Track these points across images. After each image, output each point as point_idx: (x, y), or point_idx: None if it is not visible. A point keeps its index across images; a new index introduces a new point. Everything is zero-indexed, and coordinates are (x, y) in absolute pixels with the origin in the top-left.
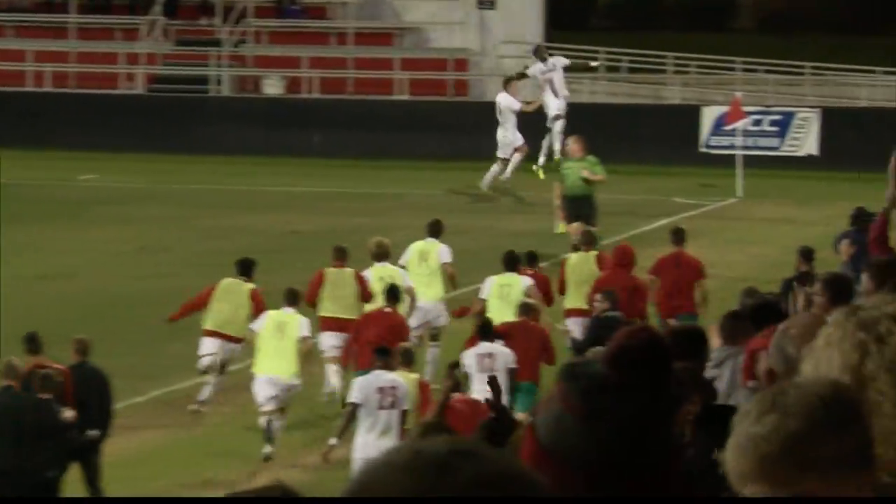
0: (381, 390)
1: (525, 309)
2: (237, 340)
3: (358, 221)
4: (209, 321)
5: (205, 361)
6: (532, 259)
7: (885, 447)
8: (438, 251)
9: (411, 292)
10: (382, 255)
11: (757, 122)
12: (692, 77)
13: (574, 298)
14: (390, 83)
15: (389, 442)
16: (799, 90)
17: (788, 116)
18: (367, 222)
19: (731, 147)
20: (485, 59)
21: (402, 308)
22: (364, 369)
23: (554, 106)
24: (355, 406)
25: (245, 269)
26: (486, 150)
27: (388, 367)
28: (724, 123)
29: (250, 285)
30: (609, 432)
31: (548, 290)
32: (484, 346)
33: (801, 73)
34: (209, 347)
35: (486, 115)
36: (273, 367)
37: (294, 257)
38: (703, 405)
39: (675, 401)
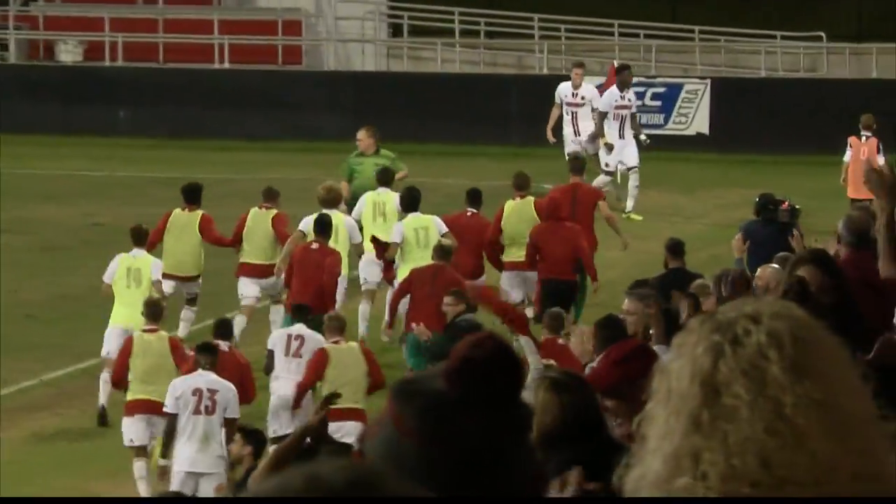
0: (197, 392)
1: (441, 252)
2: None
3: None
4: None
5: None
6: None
7: (742, 457)
8: (395, 202)
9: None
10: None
11: (638, 96)
12: (562, 43)
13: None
14: (209, 50)
15: (206, 454)
16: (686, 58)
17: (674, 89)
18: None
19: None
20: (320, 21)
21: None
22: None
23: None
24: (169, 416)
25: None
26: (322, 129)
27: (212, 365)
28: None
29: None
30: (451, 458)
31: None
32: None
33: (689, 39)
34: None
35: (322, 88)
36: (129, 315)
37: (95, 253)
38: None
39: (527, 418)
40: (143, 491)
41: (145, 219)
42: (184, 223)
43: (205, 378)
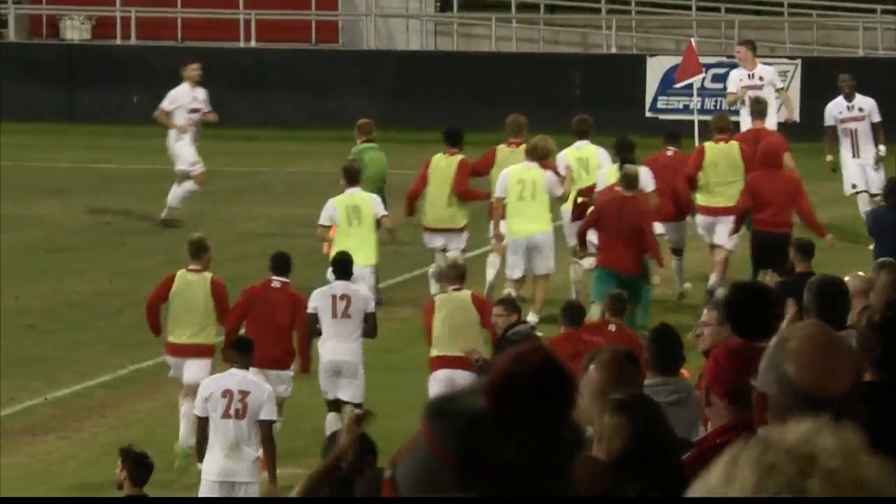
0: (227, 394)
1: (628, 182)
2: None
3: (194, 209)
4: None
5: None
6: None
7: None
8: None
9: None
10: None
11: (718, 78)
12: (632, 18)
13: None
14: (233, 26)
15: (239, 461)
16: (774, 35)
17: None
18: (208, 210)
19: (686, 110)
20: None
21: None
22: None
23: None
24: (199, 419)
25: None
26: (360, 115)
27: (246, 364)
28: (675, 79)
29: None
30: (489, 483)
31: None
32: (338, 286)
33: (778, 14)
34: None
35: (361, 69)
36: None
37: (103, 255)
38: None
39: (574, 443)
40: (183, 428)
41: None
42: (444, 168)
43: (237, 378)
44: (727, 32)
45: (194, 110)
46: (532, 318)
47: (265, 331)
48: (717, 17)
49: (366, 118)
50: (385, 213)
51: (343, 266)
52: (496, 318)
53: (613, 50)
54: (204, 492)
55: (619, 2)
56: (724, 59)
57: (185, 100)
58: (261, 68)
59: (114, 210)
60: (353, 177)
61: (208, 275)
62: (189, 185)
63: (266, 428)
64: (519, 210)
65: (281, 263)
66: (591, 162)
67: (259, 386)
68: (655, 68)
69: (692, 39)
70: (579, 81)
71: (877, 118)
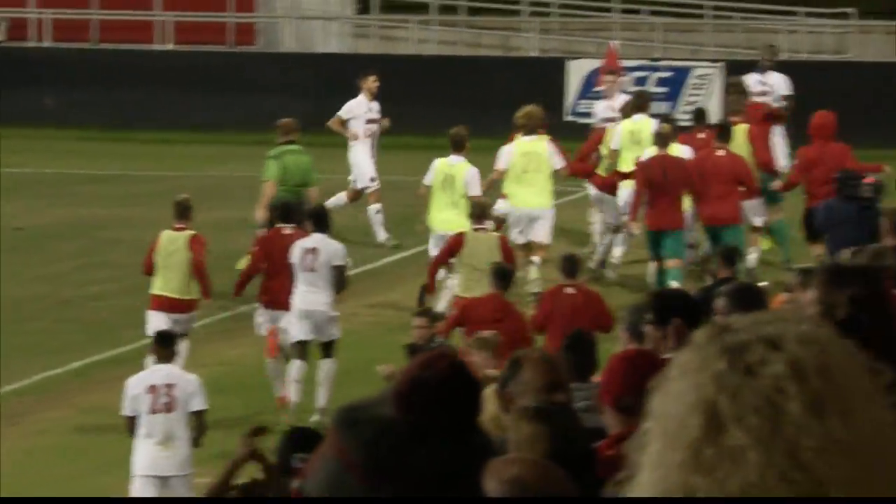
0: (152, 389)
1: (662, 140)
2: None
3: (107, 213)
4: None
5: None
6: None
7: None
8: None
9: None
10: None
11: (640, 81)
12: (554, 21)
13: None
14: (149, 28)
15: (172, 456)
16: (697, 38)
17: (682, 73)
18: (123, 214)
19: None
20: None
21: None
22: None
23: None
24: (127, 419)
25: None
26: (278, 118)
27: (168, 358)
28: (596, 82)
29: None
30: (400, 494)
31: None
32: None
33: (699, 17)
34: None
35: (279, 72)
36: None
37: (16, 261)
38: None
39: (485, 448)
40: None
41: (73, 220)
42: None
43: (161, 373)
44: (649, 35)
45: (371, 121)
46: (536, 259)
47: (284, 276)
48: (638, 20)
49: (285, 119)
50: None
51: (320, 218)
52: (416, 330)
53: (535, 53)
54: (136, 488)
55: (540, 4)
56: (645, 61)
57: (360, 111)
58: (177, 71)
59: (26, 214)
60: (181, 212)
61: (189, 232)
62: (343, 199)
63: (197, 418)
64: (525, 181)
65: (286, 212)
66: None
67: (184, 378)
68: (577, 71)
69: (613, 42)
70: (500, 84)
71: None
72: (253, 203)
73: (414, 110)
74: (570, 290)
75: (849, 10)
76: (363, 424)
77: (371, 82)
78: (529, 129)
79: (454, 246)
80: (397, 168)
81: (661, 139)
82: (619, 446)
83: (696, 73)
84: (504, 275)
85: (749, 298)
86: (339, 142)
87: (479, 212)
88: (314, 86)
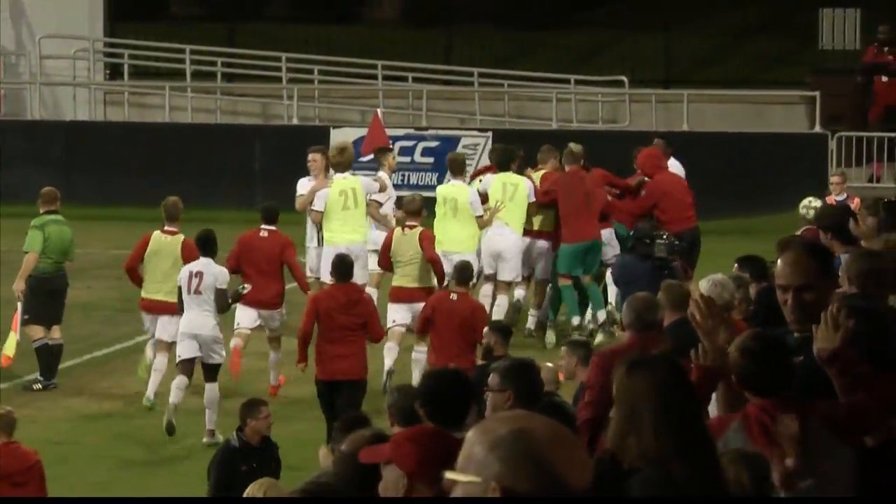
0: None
1: (573, 157)
2: None
3: None
4: None
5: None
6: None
7: None
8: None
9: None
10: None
11: (406, 151)
12: (315, 87)
13: None
14: None
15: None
16: (464, 107)
17: (450, 142)
18: None
19: None
20: (22, 60)
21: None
22: None
23: None
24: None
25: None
26: (26, 189)
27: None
28: (360, 152)
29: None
30: None
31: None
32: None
33: (467, 84)
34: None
35: (26, 140)
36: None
37: None
38: None
39: None
40: (153, 381)
41: None
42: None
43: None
44: (415, 103)
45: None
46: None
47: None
48: (404, 87)
49: (47, 188)
50: None
51: (206, 242)
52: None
53: (295, 121)
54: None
55: (300, 71)
56: (411, 130)
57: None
58: None
59: None
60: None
61: (181, 237)
62: None
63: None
64: (342, 219)
65: (270, 214)
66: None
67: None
68: (340, 140)
69: (378, 110)
70: (259, 154)
71: None
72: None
73: (170, 180)
74: (454, 297)
75: (622, 77)
76: None
77: (391, 160)
78: (344, 167)
79: (385, 248)
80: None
81: (573, 158)
82: None
83: (464, 143)
84: (343, 264)
85: (522, 375)
86: (91, 215)
87: (413, 208)
88: (62, 155)
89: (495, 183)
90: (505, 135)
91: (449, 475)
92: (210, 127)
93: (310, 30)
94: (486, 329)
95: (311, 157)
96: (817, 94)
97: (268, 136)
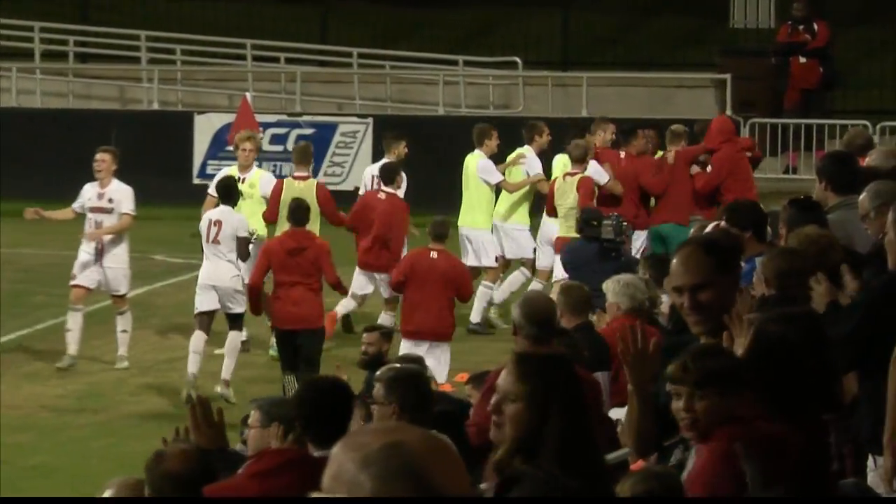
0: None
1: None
2: None
3: None
4: None
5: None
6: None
7: None
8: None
9: None
10: None
11: (279, 139)
12: (178, 69)
13: None
14: None
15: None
16: (343, 90)
17: (326, 130)
18: None
19: None
20: None
21: None
22: None
23: None
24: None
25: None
26: None
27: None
28: (227, 140)
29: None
30: None
31: None
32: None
33: (346, 65)
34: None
35: None
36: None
37: None
38: None
39: None
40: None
41: None
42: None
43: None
44: (288, 86)
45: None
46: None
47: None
48: (275, 69)
49: None
50: None
51: (227, 190)
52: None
53: (156, 106)
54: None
55: (161, 50)
56: (284, 116)
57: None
58: None
59: None
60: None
61: (312, 181)
62: None
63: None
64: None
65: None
66: None
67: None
68: (205, 127)
69: (247, 94)
70: (115, 142)
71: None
72: None
73: (17, 171)
74: (433, 255)
75: (515, 58)
76: None
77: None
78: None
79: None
80: (18, 239)
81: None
82: None
83: (342, 130)
84: (299, 209)
85: (409, 385)
86: None
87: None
88: None
89: (558, 164)
90: (387, 121)
91: (315, 497)
92: (61, 112)
93: (172, 5)
94: (372, 335)
95: (99, 156)
96: (728, 76)
97: (126, 122)
